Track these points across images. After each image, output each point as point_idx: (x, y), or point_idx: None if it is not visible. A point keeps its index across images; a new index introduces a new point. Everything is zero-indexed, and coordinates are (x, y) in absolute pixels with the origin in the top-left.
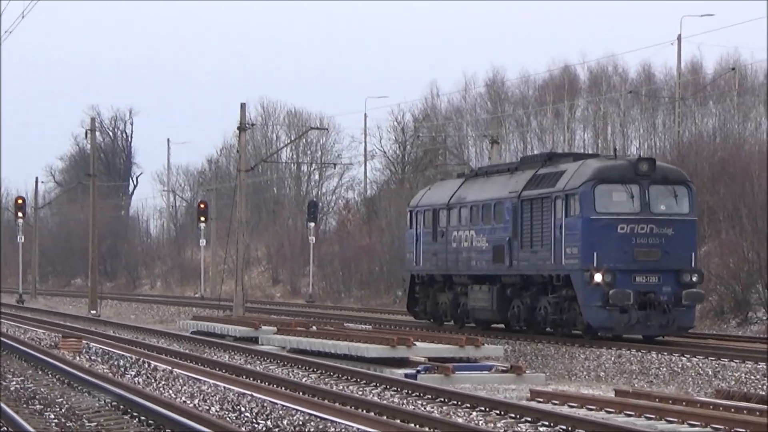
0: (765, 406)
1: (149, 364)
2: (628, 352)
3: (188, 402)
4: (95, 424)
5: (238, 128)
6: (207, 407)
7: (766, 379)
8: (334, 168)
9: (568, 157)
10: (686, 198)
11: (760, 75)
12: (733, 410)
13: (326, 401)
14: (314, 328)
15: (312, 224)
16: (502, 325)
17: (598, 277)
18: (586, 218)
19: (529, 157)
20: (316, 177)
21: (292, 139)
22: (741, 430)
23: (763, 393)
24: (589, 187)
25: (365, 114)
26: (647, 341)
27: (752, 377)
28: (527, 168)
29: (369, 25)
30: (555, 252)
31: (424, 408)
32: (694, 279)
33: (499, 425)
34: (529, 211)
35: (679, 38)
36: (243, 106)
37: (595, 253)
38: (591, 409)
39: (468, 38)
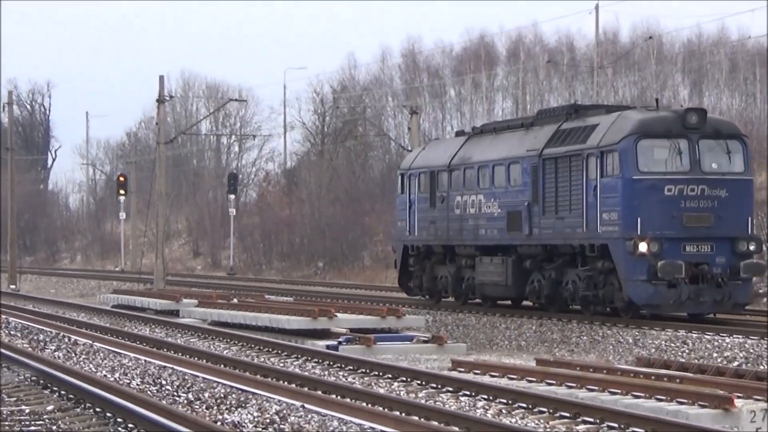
0: (685, 373)
1: (69, 339)
2: (549, 321)
3: (109, 375)
4: (15, 399)
5: (158, 101)
6: (128, 380)
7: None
8: (254, 140)
9: (599, 109)
10: (740, 154)
11: (677, 44)
12: (653, 377)
13: (247, 373)
14: (235, 300)
15: (232, 196)
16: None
17: (642, 247)
18: (627, 178)
19: (548, 110)
20: (236, 149)
21: (212, 111)
22: (662, 397)
23: (683, 360)
24: (631, 143)
25: (284, 85)
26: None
27: (672, 345)
28: (547, 122)
29: None
30: (588, 218)
31: (346, 379)
32: (752, 248)
33: (420, 395)
34: (553, 172)
35: (597, 7)
36: (162, 78)
37: (639, 219)
38: (512, 379)
39: (384, 7)
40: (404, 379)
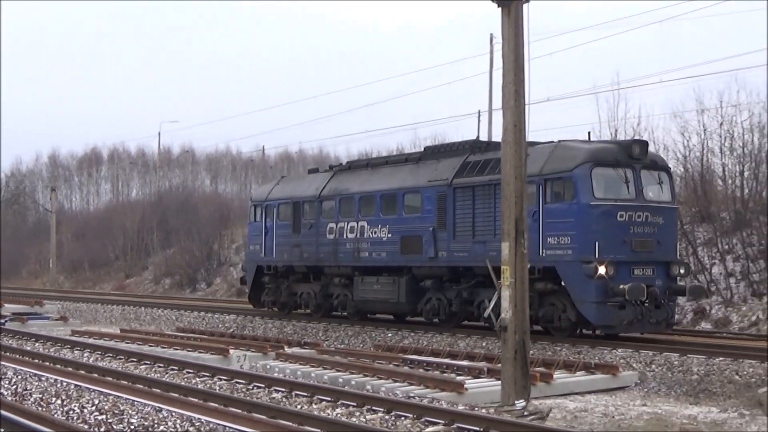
0: (202, 335)
1: None
2: (129, 307)
3: None
4: None
5: None
6: None
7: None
8: None
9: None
10: (668, 185)
11: (204, 154)
12: (185, 338)
13: None
14: None
15: None
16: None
17: (602, 270)
18: (584, 204)
19: (440, 146)
20: None
21: None
22: (190, 349)
23: (203, 328)
24: (586, 170)
25: None
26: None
27: (202, 321)
28: (444, 156)
29: None
30: None
31: (8, 341)
32: (682, 271)
33: (51, 350)
34: (469, 199)
35: (159, 134)
36: None
37: (597, 243)
38: (107, 340)
39: (38, 121)
40: (43, 341)
